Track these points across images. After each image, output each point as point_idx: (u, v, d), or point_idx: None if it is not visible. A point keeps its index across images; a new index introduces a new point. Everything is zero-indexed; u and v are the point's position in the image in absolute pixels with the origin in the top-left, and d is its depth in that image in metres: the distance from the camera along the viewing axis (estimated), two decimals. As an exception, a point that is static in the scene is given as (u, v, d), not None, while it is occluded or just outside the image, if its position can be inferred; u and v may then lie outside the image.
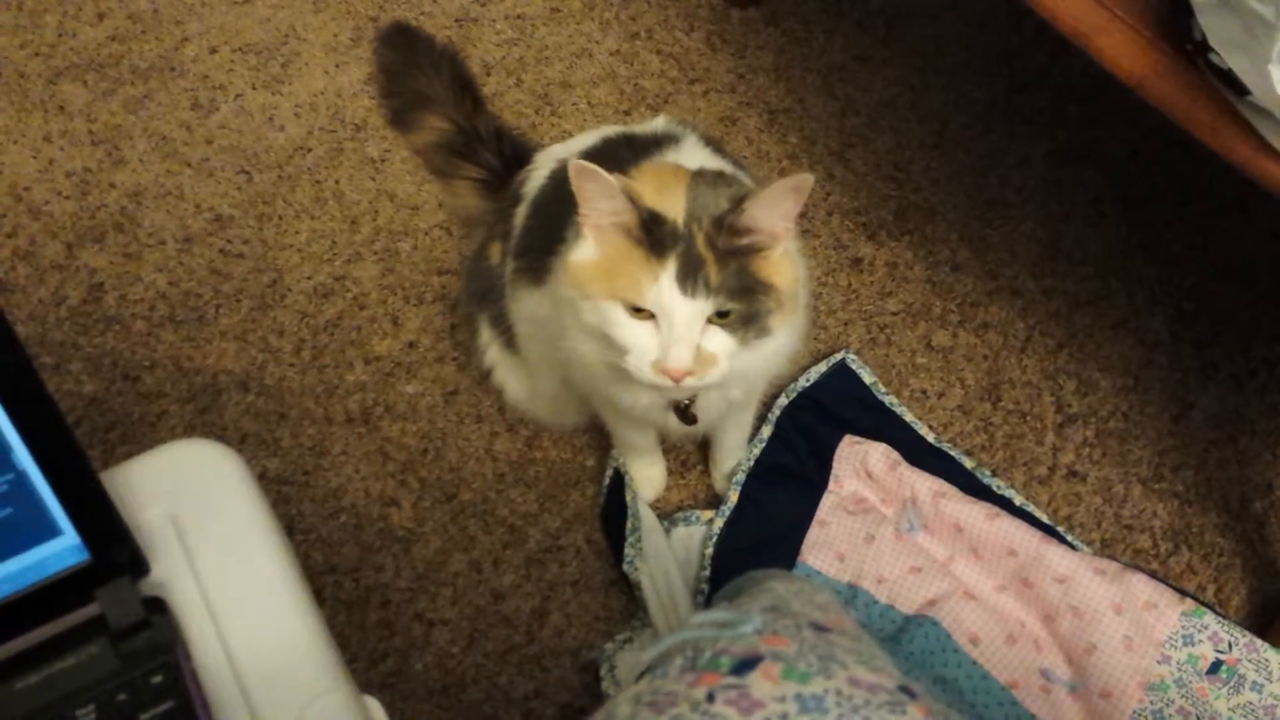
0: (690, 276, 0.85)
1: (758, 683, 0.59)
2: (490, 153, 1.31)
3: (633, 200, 0.85)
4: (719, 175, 0.94)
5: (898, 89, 1.57)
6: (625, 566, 1.18)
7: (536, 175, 1.14)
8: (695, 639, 0.67)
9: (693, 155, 1.04)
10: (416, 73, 1.41)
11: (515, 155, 1.32)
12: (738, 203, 0.86)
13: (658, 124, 1.10)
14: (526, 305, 1.09)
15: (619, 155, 1.04)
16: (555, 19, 1.61)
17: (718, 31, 1.61)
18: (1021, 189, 1.49)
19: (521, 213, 1.13)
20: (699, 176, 0.91)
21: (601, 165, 1.03)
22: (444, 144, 1.33)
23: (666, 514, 1.26)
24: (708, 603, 1.14)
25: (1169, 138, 1.51)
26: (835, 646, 0.65)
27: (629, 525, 1.20)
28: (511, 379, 1.25)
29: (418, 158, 1.47)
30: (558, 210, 1.05)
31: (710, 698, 0.58)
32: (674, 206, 0.87)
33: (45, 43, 1.57)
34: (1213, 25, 0.85)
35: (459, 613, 1.22)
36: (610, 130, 1.11)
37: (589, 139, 1.11)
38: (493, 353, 1.23)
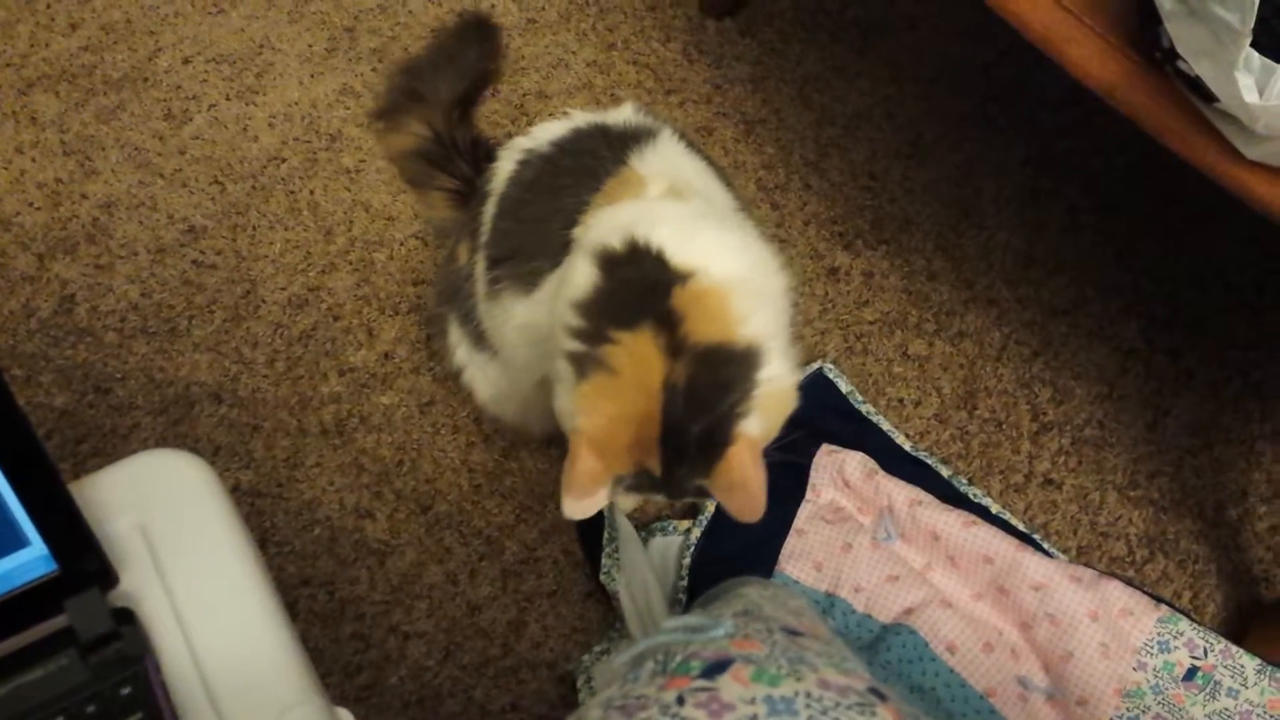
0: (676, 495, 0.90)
1: (728, 685, 0.59)
2: (465, 163, 1.30)
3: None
4: (700, 383, 0.85)
5: (874, 99, 1.57)
6: (602, 577, 1.17)
7: (502, 169, 1.10)
8: (666, 643, 0.67)
9: (668, 153, 1.01)
10: (428, 69, 1.37)
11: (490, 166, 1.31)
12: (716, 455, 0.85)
13: (628, 114, 1.06)
14: (517, 313, 1.04)
15: (595, 150, 1.01)
16: (531, 30, 1.61)
17: (694, 42, 1.61)
18: (997, 198, 1.50)
19: (489, 210, 1.10)
20: (675, 395, 0.85)
21: (577, 160, 1.01)
22: (420, 151, 1.32)
23: (644, 524, 1.25)
24: (686, 613, 1.14)
25: (1143, 146, 1.50)
26: (806, 650, 0.66)
27: (606, 536, 1.20)
28: (480, 379, 1.21)
29: (393, 167, 1.46)
30: (536, 210, 1.02)
31: (680, 701, 0.58)
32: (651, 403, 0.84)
33: (17, 53, 1.55)
34: (1180, 33, 0.86)
35: (435, 625, 1.21)
36: (581, 120, 1.07)
37: (558, 128, 1.07)
38: (462, 352, 1.20)
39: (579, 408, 0.85)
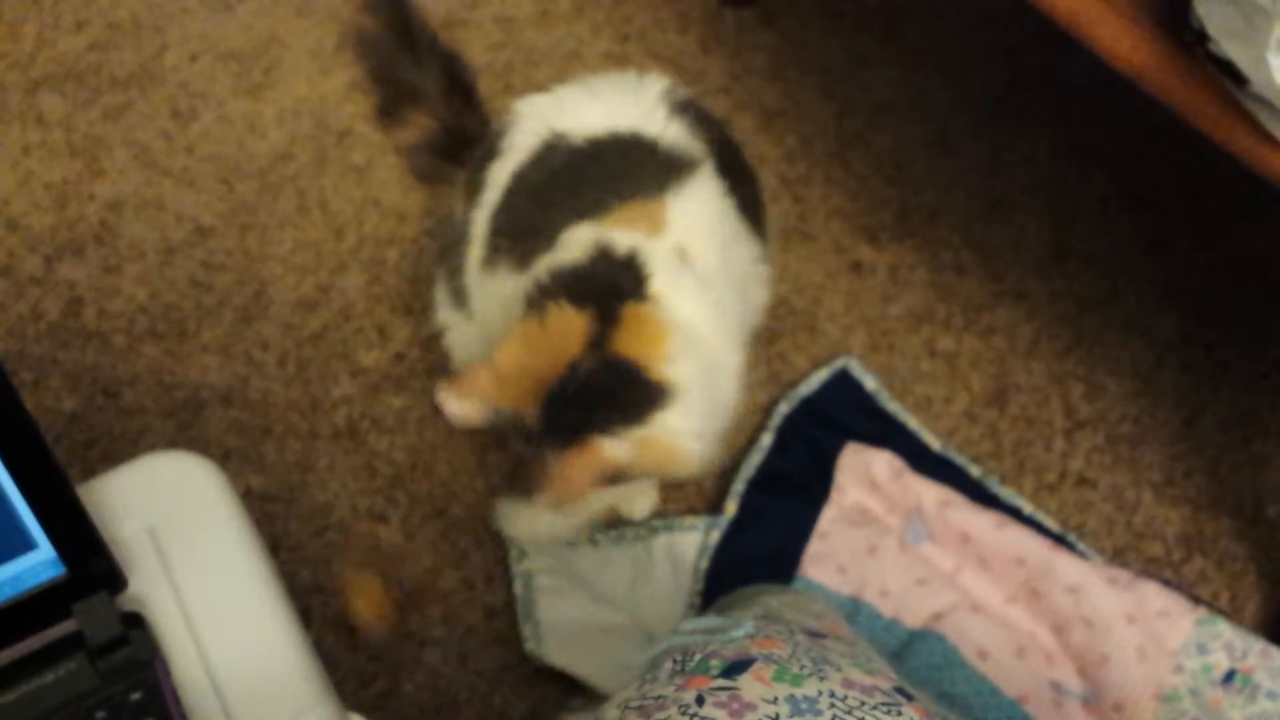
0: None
1: (749, 684, 0.58)
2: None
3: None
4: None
5: (897, 89, 1.54)
6: (527, 646, 1.16)
7: (521, 133, 1.08)
8: (685, 644, 0.67)
9: (702, 197, 1.01)
10: (406, 60, 1.36)
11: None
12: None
13: (663, 122, 1.04)
14: (508, 288, 1.04)
15: (640, 163, 1.00)
16: (544, 21, 1.59)
17: (711, 32, 1.59)
18: (1026, 189, 1.47)
19: (499, 172, 1.07)
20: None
21: (617, 164, 1.01)
22: (430, 144, 1.30)
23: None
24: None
25: (1176, 134, 1.48)
26: (829, 650, 0.65)
27: (517, 585, 1.19)
28: (459, 342, 1.21)
29: (403, 161, 1.44)
30: (555, 198, 1.02)
31: (700, 700, 0.58)
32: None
33: (24, 53, 1.54)
34: (1211, 14, 0.84)
35: (451, 631, 1.20)
36: (622, 124, 1.03)
37: (594, 118, 1.04)
38: (444, 311, 1.20)
39: (506, 338, 0.93)
